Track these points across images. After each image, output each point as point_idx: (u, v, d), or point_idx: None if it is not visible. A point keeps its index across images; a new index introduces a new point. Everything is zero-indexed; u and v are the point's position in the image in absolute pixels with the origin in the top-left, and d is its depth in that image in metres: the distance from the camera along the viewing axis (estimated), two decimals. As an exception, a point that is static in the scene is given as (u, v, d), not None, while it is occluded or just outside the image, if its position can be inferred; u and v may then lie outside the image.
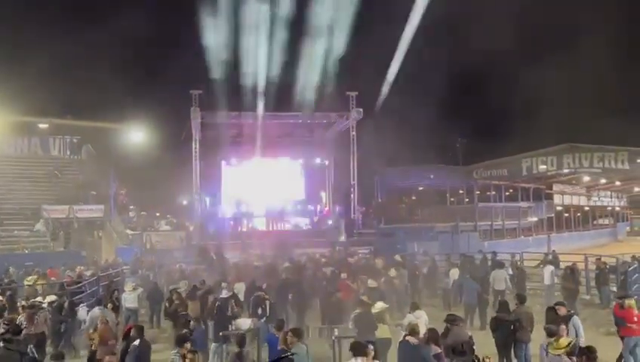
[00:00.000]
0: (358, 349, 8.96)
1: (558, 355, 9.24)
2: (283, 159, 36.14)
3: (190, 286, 17.17)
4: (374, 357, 9.25)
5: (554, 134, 44.40)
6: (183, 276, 20.41)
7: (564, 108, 52.37)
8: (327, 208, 35.88)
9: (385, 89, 30.69)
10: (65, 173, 34.77)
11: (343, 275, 18.29)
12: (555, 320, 10.73)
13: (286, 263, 21.38)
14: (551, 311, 11.61)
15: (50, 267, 21.50)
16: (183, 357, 9.29)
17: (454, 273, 19.56)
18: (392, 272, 18.82)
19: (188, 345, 9.50)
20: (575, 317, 11.53)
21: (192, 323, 12.28)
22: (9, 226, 29.18)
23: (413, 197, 45.94)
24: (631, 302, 12.06)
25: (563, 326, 10.07)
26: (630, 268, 19.02)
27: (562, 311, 11.53)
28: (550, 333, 9.84)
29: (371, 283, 16.21)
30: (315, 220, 34.66)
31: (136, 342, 10.15)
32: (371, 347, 9.27)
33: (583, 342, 10.50)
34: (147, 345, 10.33)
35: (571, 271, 18.80)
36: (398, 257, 22.73)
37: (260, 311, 14.11)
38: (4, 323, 11.51)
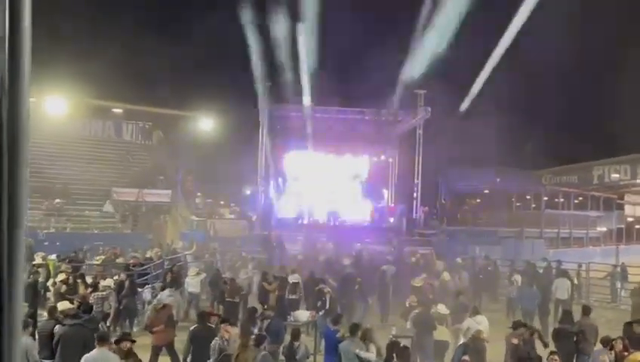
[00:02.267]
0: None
1: None
2: (347, 154, 36.16)
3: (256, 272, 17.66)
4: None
5: (629, 142, 42.89)
6: (244, 264, 20.77)
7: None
8: (392, 205, 35.72)
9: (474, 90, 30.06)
10: (136, 158, 35.89)
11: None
12: (630, 339, 10.33)
13: (346, 258, 21.44)
14: (628, 326, 11.09)
15: (114, 247, 22.19)
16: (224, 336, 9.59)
17: (517, 279, 19.18)
18: (446, 276, 18.64)
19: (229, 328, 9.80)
20: None
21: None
22: (80, 206, 30.30)
23: (478, 200, 45.18)
24: None
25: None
26: None
27: (639, 329, 11.01)
28: (625, 347, 9.55)
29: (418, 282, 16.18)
30: (377, 217, 34.61)
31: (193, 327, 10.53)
32: None
33: None
34: (206, 329, 10.55)
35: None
36: (458, 260, 22.51)
37: (319, 303, 14.23)
38: (77, 301, 12.03)
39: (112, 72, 32.87)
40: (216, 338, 9.70)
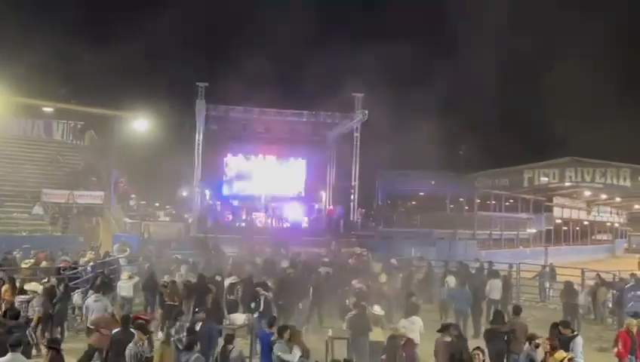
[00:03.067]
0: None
1: None
2: (285, 156, 36.14)
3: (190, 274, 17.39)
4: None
5: (557, 147, 44.50)
6: (179, 267, 20.38)
7: (569, 121, 52.43)
8: (330, 207, 35.88)
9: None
10: (66, 158, 34.78)
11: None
12: (558, 338, 10.61)
13: (284, 261, 21.38)
14: (555, 328, 11.30)
15: (42, 251, 21.42)
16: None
17: (451, 280, 19.52)
18: (382, 278, 18.79)
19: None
20: (579, 337, 11.18)
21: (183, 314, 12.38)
22: (8, 208, 29.14)
23: (413, 202, 45.94)
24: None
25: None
26: (627, 286, 18.98)
27: (566, 331, 11.16)
28: (552, 347, 9.80)
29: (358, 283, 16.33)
30: (313, 219, 34.76)
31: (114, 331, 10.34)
32: None
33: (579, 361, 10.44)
34: (126, 334, 10.25)
35: (570, 287, 18.83)
36: (394, 261, 22.75)
37: (253, 305, 14.09)
38: (4, 306, 11.55)
39: (43, 69, 31.93)
40: (131, 344, 9.50)
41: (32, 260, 19.67)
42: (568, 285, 19.04)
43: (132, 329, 10.23)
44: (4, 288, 14.14)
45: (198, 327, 10.92)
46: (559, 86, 48.22)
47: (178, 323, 11.05)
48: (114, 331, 10.44)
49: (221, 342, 10.39)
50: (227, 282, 16.67)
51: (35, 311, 13.33)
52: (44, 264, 19.18)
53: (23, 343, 8.80)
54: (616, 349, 11.77)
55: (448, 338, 10.31)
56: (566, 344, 10.64)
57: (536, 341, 10.35)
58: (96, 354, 11.21)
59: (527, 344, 10.57)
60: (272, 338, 10.11)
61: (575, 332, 11.46)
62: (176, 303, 15.29)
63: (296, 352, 9.51)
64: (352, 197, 33.76)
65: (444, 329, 10.79)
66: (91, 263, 19.39)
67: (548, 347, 9.64)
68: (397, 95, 33.53)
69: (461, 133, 47.31)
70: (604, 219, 62.48)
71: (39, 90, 34.37)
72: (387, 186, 38.25)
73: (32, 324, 12.64)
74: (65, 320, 14.54)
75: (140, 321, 10.52)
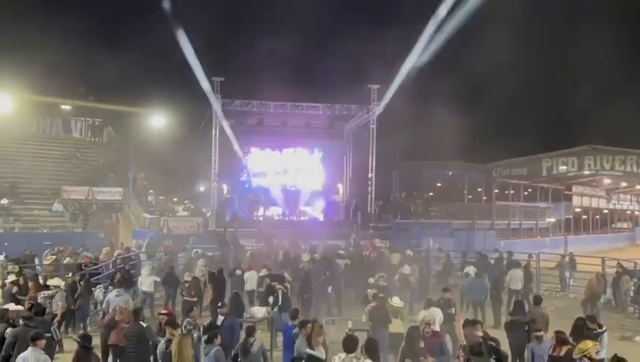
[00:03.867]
0: (348, 345, 8.68)
1: (581, 358, 9.03)
2: (302, 149, 36.18)
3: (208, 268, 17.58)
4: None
5: (576, 135, 44.12)
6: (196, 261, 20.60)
7: (587, 109, 51.88)
8: (347, 199, 35.87)
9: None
10: (85, 155, 35.13)
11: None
12: (581, 334, 10.50)
13: (305, 254, 21.48)
14: (580, 322, 10.97)
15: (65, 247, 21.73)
16: (169, 341, 9.53)
17: (471, 270, 19.48)
18: (406, 269, 18.79)
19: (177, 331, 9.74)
20: (606, 333, 11.05)
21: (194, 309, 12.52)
22: (29, 205, 29.53)
23: (431, 193, 45.76)
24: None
25: None
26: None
27: (593, 326, 10.98)
28: (561, 341, 9.71)
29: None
30: (332, 211, 34.77)
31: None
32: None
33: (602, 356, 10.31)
34: (137, 327, 10.51)
35: (601, 276, 18.76)
36: (409, 252, 22.74)
37: (271, 299, 14.16)
38: (28, 302, 11.71)
39: (60, 68, 32.12)
40: (162, 340, 9.68)
41: (54, 256, 19.95)
42: (598, 275, 18.93)
43: (142, 323, 10.53)
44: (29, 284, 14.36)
45: (219, 321, 11.00)
46: (577, 73, 47.71)
47: (187, 318, 11.12)
48: (126, 326, 10.63)
49: (242, 335, 10.47)
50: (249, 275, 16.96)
51: (58, 306, 13.55)
52: (67, 260, 19.44)
53: (44, 338, 8.89)
54: None
55: (480, 333, 10.21)
56: (594, 338, 10.54)
57: (537, 333, 10.32)
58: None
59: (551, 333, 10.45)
60: (294, 331, 10.16)
61: (603, 328, 11.22)
62: (194, 298, 15.49)
63: (321, 350, 9.48)
64: (369, 189, 33.72)
65: (473, 323, 10.74)
66: (112, 259, 19.58)
67: (553, 341, 9.48)
68: (413, 85, 33.19)
69: (479, 122, 46.98)
70: (624, 207, 61.84)
71: (57, 88, 34.65)
72: (404, 177, 38.16)
73: (56, 320, 12.84)
74: (87, 316, 14.72)
75: (168, 318, 10.67)
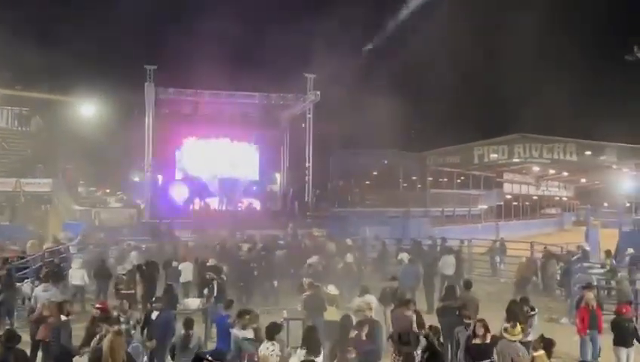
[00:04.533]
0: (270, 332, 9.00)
1: (513, 341, 9.29)
2: (238, 138, 35.85)
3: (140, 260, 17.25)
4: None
5: (506, 124, 45.31)
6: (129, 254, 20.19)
7: (518, 98, 53.45)
8: (284, 189, 35.86)
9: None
10: (12, 145, 33.78)
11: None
12: (516, 315, 10.82)
13: (242, 244, 21.41)
14: (515, 305, 11.43)
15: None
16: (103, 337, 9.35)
17: (404, 257, 19.84)
18: (349, 257, 18.99)
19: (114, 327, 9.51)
20: (536, 316, 11.55)
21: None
22: (-48, 198, 28.28)
23: (367, 182, 46.27)
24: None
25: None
26: (574, 258, 19.58)
27: (526, 308, 11.46)
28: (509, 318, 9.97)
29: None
30: (269, 201, 34.70)
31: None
32: None
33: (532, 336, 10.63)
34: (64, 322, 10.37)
35: (531, 260, 19.38)
36: (349, 241, 22.94)
37: (206, 291, 14.05)
38: None
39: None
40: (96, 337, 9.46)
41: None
42: (528, 260, 19.59)
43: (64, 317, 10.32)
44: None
45: (154, 316, 10.80)
46: (508, 62, 48.97)
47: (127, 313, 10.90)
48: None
49: (179, 327, 10.30)
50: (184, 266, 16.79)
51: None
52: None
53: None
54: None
55: (409, 313, 10.40)
56: (526, 320, 10.92)
57: (467, 320, 10.45)
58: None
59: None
60: (229, 321, 10.09)
61: (535, 311, 11.69)
62: (132, 291, 15.17)
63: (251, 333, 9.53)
64: (306, 178, 33.81)
65: (405, 303, 10.91)
66: (40, 252, 18.94)
67: (482, 330, 9.60)
68: (348, 74, 33.41)
69: (412, 111, 47.69)
70: (553, 193, 64.18)
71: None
72: (341, 166, 38.41)
73: None
74: (14, 311, 14.22)
75: (103, 313, 10.41)
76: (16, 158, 32.22)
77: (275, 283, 17.47)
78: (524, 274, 19.07)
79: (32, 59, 32.29)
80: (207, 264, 16.45)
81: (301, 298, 12.60)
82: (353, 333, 9.91)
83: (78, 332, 10.77)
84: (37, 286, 13.52)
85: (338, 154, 38.25)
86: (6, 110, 35.62)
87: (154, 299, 11.91)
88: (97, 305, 11.40)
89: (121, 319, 10.22)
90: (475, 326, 9.69)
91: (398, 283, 13.42)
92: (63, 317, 10.43)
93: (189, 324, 9.82)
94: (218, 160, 34.91)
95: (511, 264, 22.41)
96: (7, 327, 11.60)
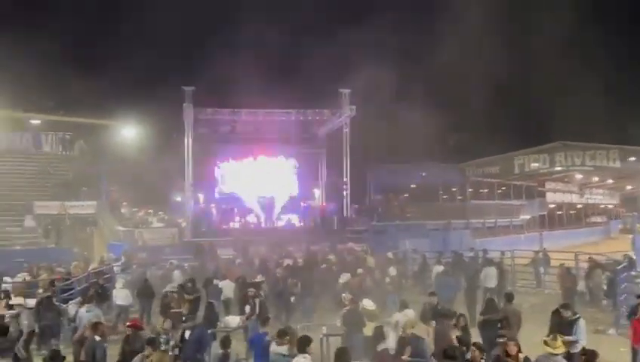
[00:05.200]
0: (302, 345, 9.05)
1: (555, 355, 9.04)
2: (276, 155, 36.11)
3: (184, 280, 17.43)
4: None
5: (547, 132, 44.59)
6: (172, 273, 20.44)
7: (556, 107, 52.55)
8: (323, 204, 35.93)
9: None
10: (57, 169, 34.64)
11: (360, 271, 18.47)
12: (560, 324, 10.62)
13: (281, 260, 21.49)
14: (555, 314, 11.31)
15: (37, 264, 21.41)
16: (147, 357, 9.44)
17: (438, 269, 19.68)
18: (393, 271, 18.93)
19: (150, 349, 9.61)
20: (581, 320, 11.12)
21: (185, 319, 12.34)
22: (0, 223, 29.04)
23: (406, 195, 45.94)
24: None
25: None
26: (619, 266, 19.08)
27: (566, 313, 11.17)
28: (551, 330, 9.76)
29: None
30: (308, 217, 34.78)
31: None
32: None
33: (582, 344, 10.39)
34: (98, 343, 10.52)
35: (568, 270, 18.98)
36: (390, 254, 22.84)
37: (248, 309, 14.10)
38: None
39: (28, 82, 31.72)
40: (137, 358, 9.60)
41: (26, 273, 19.61)
42: (564, 270, 19.20)
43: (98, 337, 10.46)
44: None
45: (187, 335, 10.89)
46: (544, 69, 48.33)
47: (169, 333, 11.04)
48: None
49: (216, 346, 10.39)
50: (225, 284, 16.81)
51: (24, 325, 13.29)
52: (43, 276, 19.09)
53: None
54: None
55: (454, 333, 10.24)
56: (569, 327, 10.66)
57: (501, 339, 10.18)
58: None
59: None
60: (267, 338, 10.11)
61: (577, 315, 11.32)
62: (182, 310, 15.34)
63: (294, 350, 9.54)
64: (344, 193, 33.79)
65: (447, 317, 10.78)
66: (84, 273, 19.31)
67: (514, 349, 9.30)
68: (384, 88, 33.38)
69: (450, 122, 47.33)
70: (598, 201, 62.69)
71: (26, 102, 34.22)
72: (379, 180, 38.29)
73: (23, 339, 12.68)
74: (58, 332, 14.49)
75: (135, 332, 10.58)
76: (60, 182, 32.99)
77: (310, 300, 17.33)
78: (565, 284, 18.70)
79: (74, 86, 33.24)
80: (248, 281, 16.55)
81: (340, 313, 12.56)
82: (381, 347, 9.87)
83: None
84: (81, 307, 13.78)
85: (376, 168, 38.16)
86: (50, 135, 36.65)
87: (184, 318, 11.93)
88: (129, 323, 11.58)
89: (161, 339, 10.34)
90: (507, 346, 9.42)
91: (437, 299, 13.17)
92: (97, 338, 10.61)
93: (225, 343, 9.89)
94: (256, 177, 35.17)
95: (555, 275, 21.98)
96: (53, 348, 11.85)
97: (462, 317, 10.78)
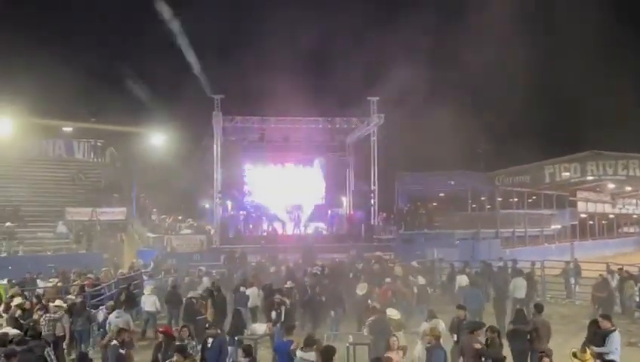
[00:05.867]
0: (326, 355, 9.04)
1: None
2: (303, 163, 36.18)
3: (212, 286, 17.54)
4: None
5: (578, 141, 44.03)
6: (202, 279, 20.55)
7: (588, 115, 51.87)
8: (351, 212, 35.87)
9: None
10: (88, 176, 35.23)
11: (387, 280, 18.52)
12: (595, 335, 10.42)
13: (309, 268, 21.47)
14: (593, 324, 10.99)
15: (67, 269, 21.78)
16: None
17: (462, 280, 19.48)
18: (421, 280, 18.80)
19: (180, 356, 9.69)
20: (616, 332, 10.72)
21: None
22: (32, 228, 29.58)
23: (434, 203, 45.67)
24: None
25: None
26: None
27: (605, 324, 10.80)
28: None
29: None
30: (335, 225, 34.74)
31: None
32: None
33: (612, 357, 10.22)
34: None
35: (605, 280, 18.65)
36: (414, 263, 22.69)
37: (274, 315, 14.11)
38: (27, 325, 11.70)
39: (60, 90, 32.32)
40: None
41: (57, 279, 19.91)
42: (601, 279, 18.86)
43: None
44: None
45: (209, 343, 10.84)
46: (575, 78, 47.72)
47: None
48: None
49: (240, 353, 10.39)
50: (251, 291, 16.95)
51: (64, 328, 13.45)
52: (76, 282, 19.35)
53: (16, 355, 9.10)
54: None
55: (478, 345, 10.12)
56: (603, 338, 10.46)
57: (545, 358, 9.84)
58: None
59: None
60: (292, 347, 10.09)
61: (614, 327, 10.92)
62: (204, 316, 15.43)
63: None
64: (372, 201, 33.68)
65: (475, 329, 10.64)
66: (114, 279, 19.55)
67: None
68: (413, 96, 33.33)
69: (479, 131, 47.04)
70: (631, 211, 61.54)
71: (57, 110, 34.88)
72: (407, 189, 38.08)
73: (65, 343, 12.93)
74: (88, 338, 14.68)
75: (167, 339, 10.68)
76: (92, 188, 33.57)
77: (336, 310, 17.17)
78: (601, 294, 18.38)
79: (105, 94, 33.77)
80: (274, 288, 16.56)
81: (366, 322, 12.51)
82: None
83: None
84: (110, 313, 13.94)
85: (404, 176, 37.99)
86: (82, 142, 37.32)
87: (207, 325, 11.94)
88: (160, 330, 11.69)
89: (189, 346, 10.41)
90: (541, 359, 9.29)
91: (465, 312, 12.97)
92: (115, 343, 10.79)
93: (248, 351, 9.90)
94: (285, 185, 35.24)
95: (586, 286, 21.64)
96: (80, 351, 12.03)
97: (488, 331, 10.57)
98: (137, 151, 33.38)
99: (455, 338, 11.50)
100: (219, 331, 11.37)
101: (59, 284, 18.85)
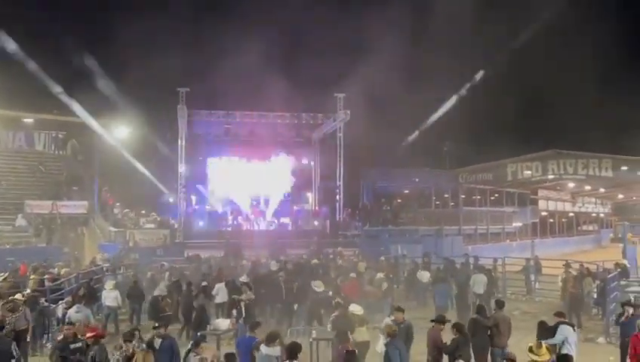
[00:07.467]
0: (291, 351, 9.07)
1: None
2: (269, 158, 36.04)
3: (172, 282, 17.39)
4: None
5: (539, 140, 44.77)
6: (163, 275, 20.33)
7: (550, 115, 52.77)
8: (316, 208, 35.88)
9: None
10: (49, 168, 34.54)
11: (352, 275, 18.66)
12: (546, 330, 10.63)
13: (273, 263, 21.43)
14: (542, 323, 11.38)
15: (24, 263, 21.32)
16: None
17: (422, 275, 19.71)
18: (380, 276, 18.94)
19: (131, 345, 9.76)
20: (563, 326, 11.04)
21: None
22: (-9, 221, 28.94)
23: (399, 200, 46.01)
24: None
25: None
26: (610, 275, 19.08)
27: (557, 319, 11.20)
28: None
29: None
30: (300, 220, 34.72)
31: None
32: None
33: (570, 351, 10.37)
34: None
35: (575, 276, 18.95)
36: (382, 259, 22.86)
37: (235, 312, 14.07)
38: None
39: (21, 81, 31.53)
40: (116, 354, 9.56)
41: (7, 274, 19.27)
42: (570, 275, 19.10)
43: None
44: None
45: (157, 344, 10.52)
46: (539, 78, 48.56)
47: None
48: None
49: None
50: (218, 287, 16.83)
51: (27, 321, 13.08)
52: (33, 277, 18.88)
53: None
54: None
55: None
56: (553, 332, 10.72)
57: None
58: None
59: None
60: (255, 342, 10.04)
61: (564, 320, 11.35)
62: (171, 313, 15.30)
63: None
64: (337, 197, 33.75)
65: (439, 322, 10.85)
66: (73, 274, 19.19)
67: None
68: (379, 93, 33.43)
69: (444, 129, 47.44)
70: (590, 209, 62.96)
71: (18, 101, 34.02)
72: (372, 185, 38.32)
73: (29, 335, 12.66)
74: (45, 333, 14.39)
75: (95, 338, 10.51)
76: (52, 181, 32.90)
77: (299, 305, 17.16)
78: (571, 289, 18.56)
79: (67, 85, 33.03)
80: (237, 284, 16.51)
81: (330, 318, 12.54)
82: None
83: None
84: (69, 308, 13.69)
85: (369, 173, 38.16)
86: (43, 134, 36.47)
87: (156, 324, 11.65)
88: (89, 334, 11.14)
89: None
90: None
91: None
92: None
93: (196, 345, 9.87)
94: (250, 180, 35.05)
95: (546, 282, 22.06)
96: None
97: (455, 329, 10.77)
98: (100, 144, 32.79)
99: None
100: (165, 331, 11.08)
101: (9, 280, 18.24)
